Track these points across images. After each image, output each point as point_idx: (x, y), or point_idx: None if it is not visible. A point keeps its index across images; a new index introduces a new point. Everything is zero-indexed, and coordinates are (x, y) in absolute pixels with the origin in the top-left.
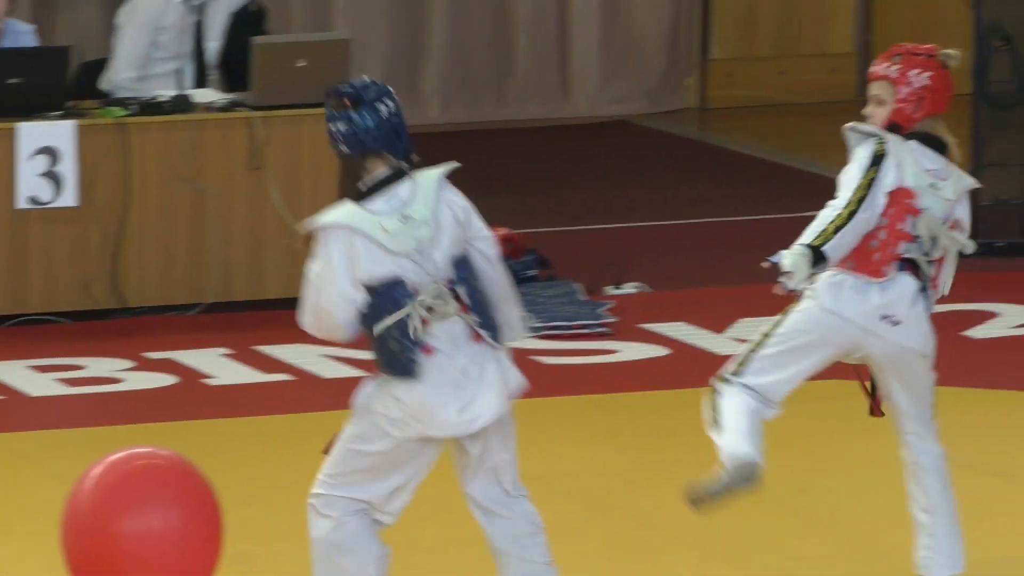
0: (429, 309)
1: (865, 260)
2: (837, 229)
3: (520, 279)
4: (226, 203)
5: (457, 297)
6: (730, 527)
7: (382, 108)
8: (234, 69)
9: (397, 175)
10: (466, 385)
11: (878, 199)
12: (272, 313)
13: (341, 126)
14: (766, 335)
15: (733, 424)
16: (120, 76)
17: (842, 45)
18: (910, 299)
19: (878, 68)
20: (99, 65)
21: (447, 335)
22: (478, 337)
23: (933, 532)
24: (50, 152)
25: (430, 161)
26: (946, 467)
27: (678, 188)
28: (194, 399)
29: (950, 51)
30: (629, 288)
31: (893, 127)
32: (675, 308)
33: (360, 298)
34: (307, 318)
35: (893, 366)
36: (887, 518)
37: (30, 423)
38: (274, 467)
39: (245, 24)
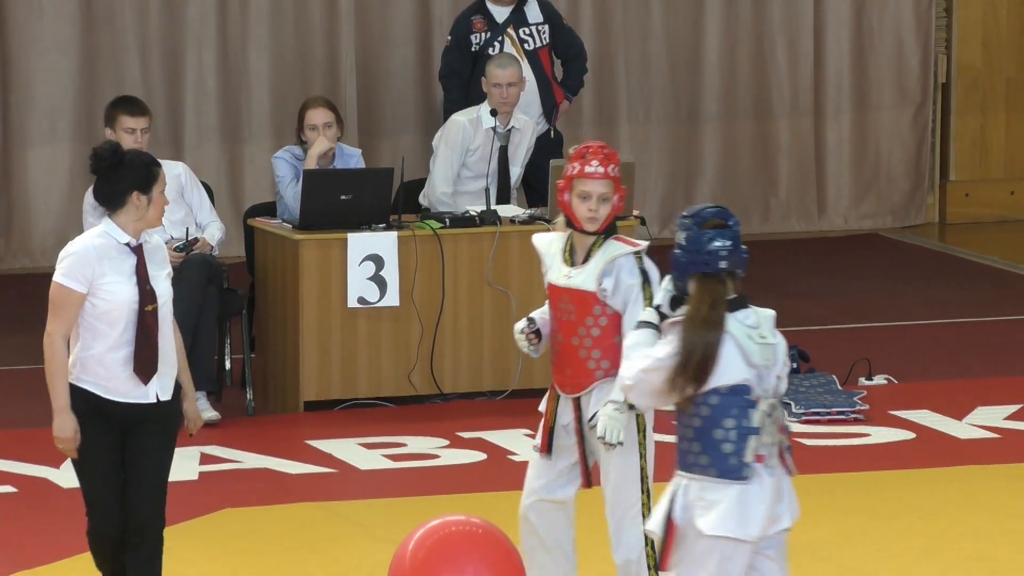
0: (769, 416)
1: None
2: None
3: None
4: (527, 303)
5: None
6: None
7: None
8: (534, 186)
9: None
10: (776, 499)
11: None
12: None
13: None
14: None
15: None
16: (437, 192)
17: None
18: None
19: None
20: (417, 184)
21: (770, 448)
22: (782, 457)
23: None
24: (376, 259)
25: None
26: None
27: (922, 293)
28: (501, 473)
29: None
30: (879, 380)
31: None
32: (920, 398)
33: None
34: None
35: None
36: None
37: (360, 493)
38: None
39: (544, 148)
